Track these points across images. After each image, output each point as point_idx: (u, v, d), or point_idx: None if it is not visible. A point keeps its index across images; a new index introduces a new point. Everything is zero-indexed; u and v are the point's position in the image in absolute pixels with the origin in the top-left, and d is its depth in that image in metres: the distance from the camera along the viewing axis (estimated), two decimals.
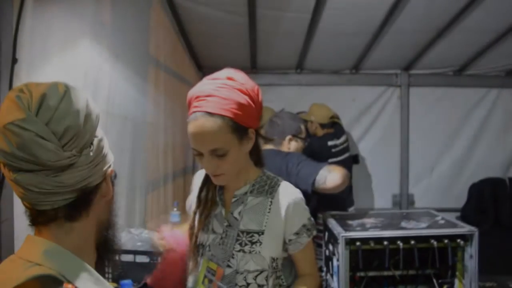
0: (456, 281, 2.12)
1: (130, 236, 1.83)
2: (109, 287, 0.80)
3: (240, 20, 2.84)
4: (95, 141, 0.77)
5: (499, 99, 3.87)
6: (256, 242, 1.30)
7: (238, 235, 1.31)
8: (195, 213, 1.39)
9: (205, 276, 1.33)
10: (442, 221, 2.30)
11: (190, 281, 1.37)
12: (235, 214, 1.33)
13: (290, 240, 1.33)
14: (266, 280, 1.30)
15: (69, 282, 0.71)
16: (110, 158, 0.83)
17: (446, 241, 2.04)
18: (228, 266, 1.30)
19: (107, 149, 0.82)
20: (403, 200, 3.94)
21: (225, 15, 2.76)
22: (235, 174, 1.30)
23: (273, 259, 1.32)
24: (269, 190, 1.34)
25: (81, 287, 0.72)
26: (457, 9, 2.69)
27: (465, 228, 2.11)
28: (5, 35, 1.25)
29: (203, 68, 3.71)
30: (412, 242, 2.02)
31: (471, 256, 2.06)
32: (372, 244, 2.03)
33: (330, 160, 3.08)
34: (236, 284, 1.29)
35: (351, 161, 3.52)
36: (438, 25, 2.93)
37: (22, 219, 0.80)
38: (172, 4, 2.65)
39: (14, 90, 0.72)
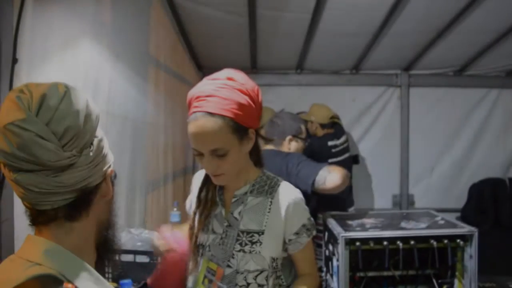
0: (456, 281, 2.12)
1: (130, 236, 1.83)
2: (109, 286, 0.80)
3: (240, 20, 2.84)
4: (95, 141, 0.77)
5: (499, 99, 3.86)
6: (256, 242, 1.30)
7: (238, 235, 1.31)
8: (195, 213, 1.39)
9: (205, 276, 1.33)
10: (442, 222, 2.30)
11: (190, 281, 1.37)
12: (235, 214, 1.33)
13: (290, 240, 1.33)
14: (266, 280, 1.31)
15: (69, 281, 0.71)
16: (110, 158, 0.83)
17: (446, 241, 2.04)
18: (228, 266, 1.30)
19: (107, 149, 0.82)
20: (403, 200, 3.93)
21: (225, 15, 2.76)
22: (235, 174, 1.30)
23: (273, 259, 1.32)
24: (269, 190, 1.34)
25: (81, 287, 0.72)
26: (457, 9, 2.69)
27: (464, 229, 2.12)
28: (5, 35, 1.24)
29: (203, 68, 3.70)
30: (412, 242, 2.03)
31: (470, 256, 2.06)
32: (372, 244, 2.03)
33: (330, 160, 3.08)
34: (236, 284, 1.29)
35: (351, 161, 3.52)
36: (438, 26, 2.93)
37: (22, 219, 0.80)
38: (172, 4, 2.65)
39: (14, 90, 0.72)
